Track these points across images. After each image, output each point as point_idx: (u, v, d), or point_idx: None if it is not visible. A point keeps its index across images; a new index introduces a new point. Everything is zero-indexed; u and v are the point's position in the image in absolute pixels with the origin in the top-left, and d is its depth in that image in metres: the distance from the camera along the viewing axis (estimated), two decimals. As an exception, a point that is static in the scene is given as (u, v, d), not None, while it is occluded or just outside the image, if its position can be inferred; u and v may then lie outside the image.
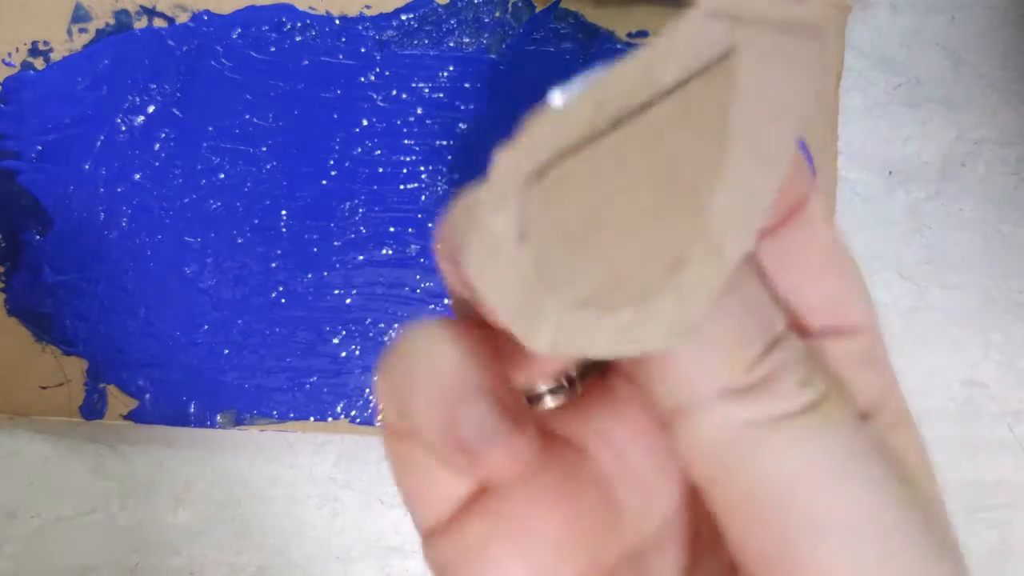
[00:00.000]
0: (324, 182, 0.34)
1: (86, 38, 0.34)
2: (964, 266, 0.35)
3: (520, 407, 0.17)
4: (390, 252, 0.34)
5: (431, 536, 0.19)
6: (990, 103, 0.35)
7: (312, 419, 0.34)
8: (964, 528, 0.36)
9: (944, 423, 0.36)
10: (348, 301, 0.34)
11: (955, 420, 0.36)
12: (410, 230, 0.34)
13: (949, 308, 0.35)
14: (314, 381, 0.34)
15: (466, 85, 0.34)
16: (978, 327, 0.36)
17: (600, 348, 0.15)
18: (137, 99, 0.34)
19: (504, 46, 0.34)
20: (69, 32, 0.34)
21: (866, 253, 0.35)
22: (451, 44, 0.34)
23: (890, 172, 0.35)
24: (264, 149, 0.34)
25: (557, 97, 0.14)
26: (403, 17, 0.34)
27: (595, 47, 0.34)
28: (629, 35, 0.34)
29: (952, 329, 0.36)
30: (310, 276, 0.34)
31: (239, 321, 0.34)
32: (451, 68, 0.34)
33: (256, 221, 0.34)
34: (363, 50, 0.34)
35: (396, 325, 0.34)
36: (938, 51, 0.35)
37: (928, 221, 0.35)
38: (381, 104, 0.34)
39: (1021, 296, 0.35)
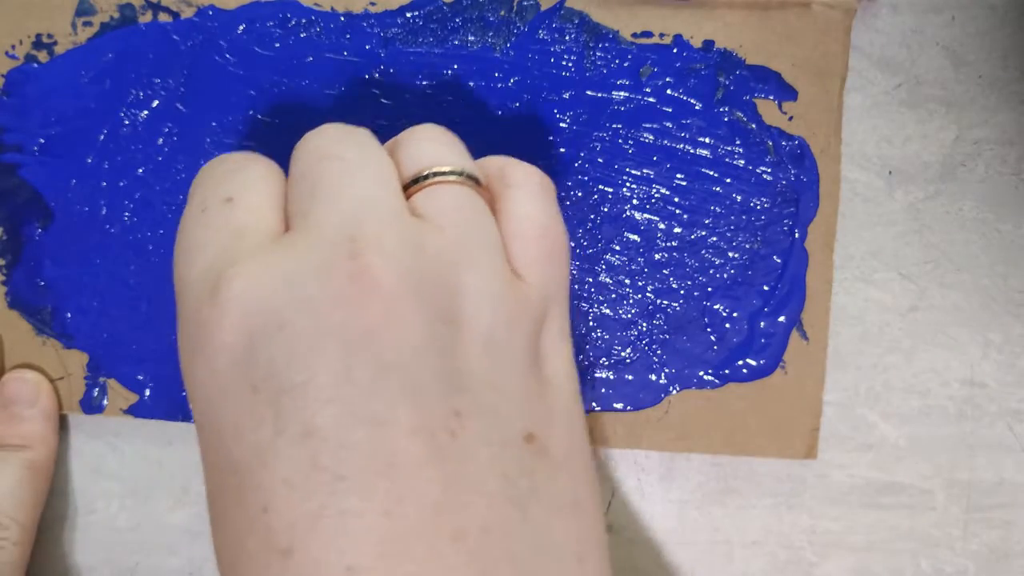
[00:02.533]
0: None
1: (90, 31, 0.34)
2: (964, 266, 0.35)
3: None
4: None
5: None
6: (990, 103, 0.35)
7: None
8: (964, 528, 0.36)
9: (944, 423, 0.36)
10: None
11: (955, 420, 0.36)
12: (413, 227, 0.34)
13: (949, 308, 0.35)
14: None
15: (471, 83, 0.34)
16: (978, 327, 0.36)
17: None
18: (141, 93, 0.34)
19: (509, 45, 0.34)
20: (73, 25, 0.34)
21: (866, 253, 0.35)
22: (456, 42, 0.34)
23: (890, 172, 0.35)
24: (268, 145, 0.34)
25: None
26: (408, 15, 0.34)
27: (600, 47, 0.34)
28: (634, 35, 0.34)
29: (952, 329, 0.36)
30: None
31: (240, 317, 0.34)
32: (456, 66, 0.34)
33: (259, 217, 0.34)
34: (368, 47, 0.34)
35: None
36: (938, 51, 0.35)
37: (928, 221, 0.35)
38: (385, 101, 0.34)
39: (1021, 296, 0.35)
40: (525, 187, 0.25)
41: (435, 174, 0.24)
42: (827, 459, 0.36)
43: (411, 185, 0.24)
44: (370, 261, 0.21)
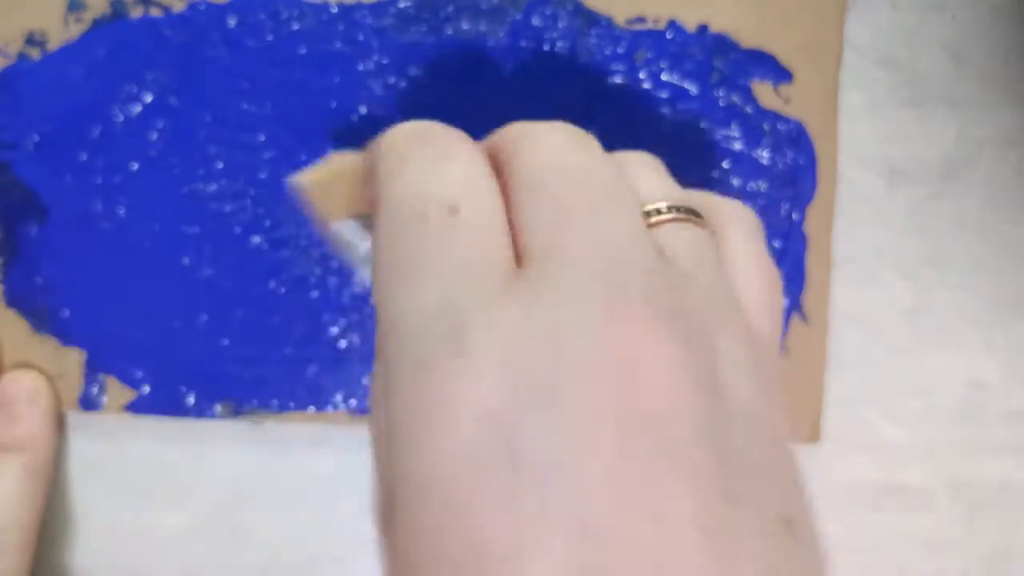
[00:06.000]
0: (322, 170, 0.34)
1: (82, 27, 0.34)
2: (966, 266, 0.35)
3: None
4: (389, 240, 0.34)
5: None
6: (991, 102, 0.35)
7: (311, 409, 0.34)
8: (966, 528, 0.36)
9: (945, 423, 0.36)
10: (347, 290, 0.34)
11: (957, 420, 0.35)
12: (409, 217, 0.34)
13: (951, 308, 0.35)
14: (314, 370, 0.34)
15: (465, 72, 0.34)
16: (980, 327, 0.35)
17: None
18: (133, 89, 0.34)
19: (502, 32, 0.34)
20: (65, 22, 0.34)
21: (867, 253, 0.35)
22: (449, 31, 0.34)
23: (891, 172, 0.35)
24: (262, 138, 0.34)
25: None
26: (401, 4, 0.34)
27: (594, 33, 0.34)
28: (627, 20, 0.34)
29: (954, 329, 0.35)
30: (309, 265, 0.34)
31: (237, 311, 0.34)
32: (449, 55, 0.34)
33: (254, 210, 0.34)
34: (361, 38, 0.34)
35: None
36: (939, 50, 0.35)
37: (929, 221, 0.35)
38: (379, 92, 0.34)
39: (1023, 296, 0.35)
40: (742, 226, 0.23)
41: (670, 209, 0.21)
42: (828, 459, 0.36)
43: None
44: (636, 326, 0.18)
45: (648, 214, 0.21)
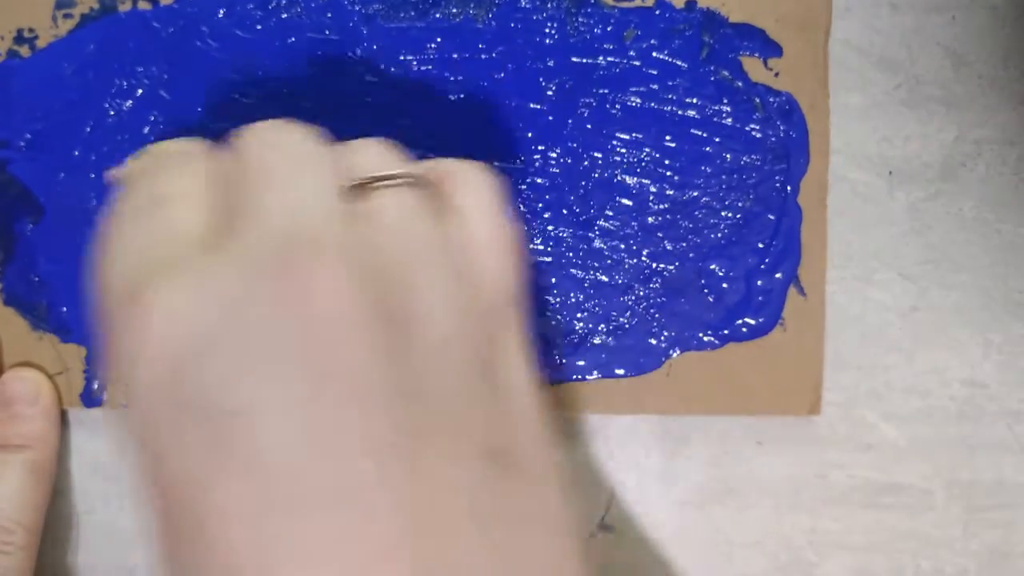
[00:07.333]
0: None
1: (71, 23, 0.34)
2: (964, 266, 0.35)
3: None
4: (385, 226, 0.34)
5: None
6: (991, 103, 0.35)
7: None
8: (965, 529, 0.36)
9: (944, 423, 0.36)
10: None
11: (955, 420, 0.36)
12: (404, 203, 0.34)
13: (949, 308, 0.35)
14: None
15: (454, 56, 0.34)
16: (978, 327, 0.35)
17: None
18: (124, 83, 0.34)
19: (491, 15, 0.34)
20: (54, 18, 0.34)
21: (866, 253, 0.35)
22: (438, 15, 0.34)
23: (890, 172, 0.35)
24: (254, 129, 0.34)
25: None
26: (388, -10, 0.34)
27: (582, 12, 0.34)
28: (616, 0, 0.34)
29: (952, 329, 0.35)
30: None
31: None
32: (439, 40, 0.34)
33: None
34: (350, 25, 0.34)
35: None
36: (939, 51, 0.35)
37: (928, 221, 0.35)
38: (370, 79, 0.34)
39: (1021, 296, 0.35)
40: (476, 189, 0.24)
41: (381, 178, 0.23)
42: (827, 459, 0.36)
43: (355, 190, 0.23)
44: (310, 268, 0.20)
45: (359, 186, 0.22)
